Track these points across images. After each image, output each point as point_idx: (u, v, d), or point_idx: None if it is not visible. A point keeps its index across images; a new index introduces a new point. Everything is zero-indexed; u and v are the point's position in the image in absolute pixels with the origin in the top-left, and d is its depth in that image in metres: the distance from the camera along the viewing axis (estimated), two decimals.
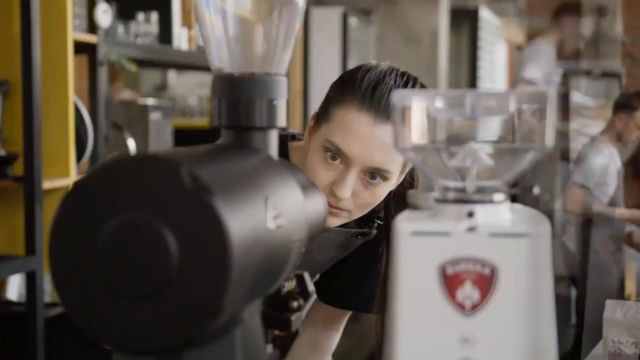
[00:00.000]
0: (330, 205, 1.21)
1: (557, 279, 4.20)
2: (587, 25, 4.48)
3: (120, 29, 2.86)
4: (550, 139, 0.64)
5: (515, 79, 4.47)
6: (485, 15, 7.44)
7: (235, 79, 0.73)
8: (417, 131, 0.67)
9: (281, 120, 0.75)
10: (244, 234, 0.59)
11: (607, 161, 4.33)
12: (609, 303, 2.00)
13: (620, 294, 4.39)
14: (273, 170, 0.71)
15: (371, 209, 1.27)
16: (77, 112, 2.53)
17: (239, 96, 0.73)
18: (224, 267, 0.57)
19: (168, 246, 0.57)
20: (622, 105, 4.34)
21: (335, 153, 1.21)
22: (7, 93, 2.38)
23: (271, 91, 0.74)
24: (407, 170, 1.30)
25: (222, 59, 0.74)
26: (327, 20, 4.85)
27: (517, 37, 8.93)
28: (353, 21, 5.02)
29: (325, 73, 4.49)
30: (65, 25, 2.43)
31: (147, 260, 0.57)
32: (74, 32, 2.52)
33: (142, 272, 0.58)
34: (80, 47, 2.61)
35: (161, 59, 3.17)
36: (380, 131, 1.19)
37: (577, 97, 4.36)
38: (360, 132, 1.19)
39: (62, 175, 2.49)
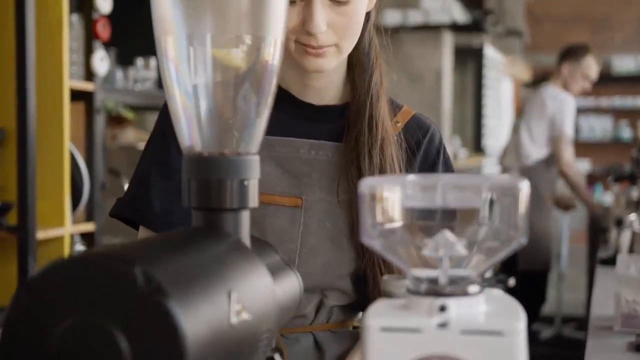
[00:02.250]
0: (312, 47, 1.13)
1: None
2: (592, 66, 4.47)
3: (119, 74, 2.86)
4: (523, 232, 0.61)
5: (549, 134, 4.39)
6: (490, 53, 7.45)
7: (205, 158, 0.71)
8: (386, 220, 0.65)
9: (253, 201, 0.73)
10: (202, 335, 0.56)
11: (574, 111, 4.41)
12: (622, 257, 1.87)
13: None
14: (240, 258, 0.68)
15: (358, 32, 1.17)
16: (73, 160, 2.52)
17: (209, 177, 0.71)
18: None
19: (121, 350, 0.54)
20: (567, 55, 4.41)
21: None
22: (3, 141, 2.37)
23: (242, 171, 0.72)
24: None
25: (192, 138, 0.72)
26: None
27: (522, 74, 8.94)
28: None
29: None
30: (61, 73, 2.43)
31: None
32: (71, 80, 2.51)
33: None
34: (78, 95, 2.61)
35: (160, 105, 3.16)
36: None
37: None
38: None
39: (57, 224, 2.47)
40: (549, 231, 4.31)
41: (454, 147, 6.21)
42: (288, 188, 1.20)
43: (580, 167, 8.84)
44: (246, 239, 0.72)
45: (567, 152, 4.29)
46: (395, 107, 1.28)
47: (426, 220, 0.66)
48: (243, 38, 0.71)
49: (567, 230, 5.54)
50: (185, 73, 0.71)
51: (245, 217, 0.73)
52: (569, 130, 4.30)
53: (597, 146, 9.93)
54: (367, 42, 1.25)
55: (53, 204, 2.44)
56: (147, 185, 1.22)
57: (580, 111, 9.96)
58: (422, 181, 0.64)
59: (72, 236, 2.60)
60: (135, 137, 3.96)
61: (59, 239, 2.49)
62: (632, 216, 2.84)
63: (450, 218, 0.65)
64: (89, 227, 2.66)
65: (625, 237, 2.69)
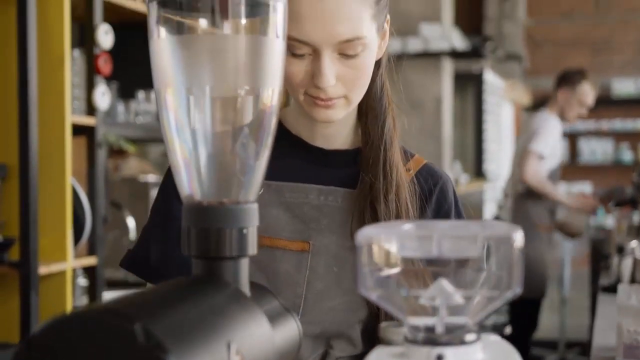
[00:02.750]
0: (321, 99, 1.13)
1: None
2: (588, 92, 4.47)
3: (121, 107, 2.88)
4: (518, 281, 0.62)
5: (521, 148, 4.46)
6: (490, 78, 7.49)
7: (204, 207, 0.72)
8: (383, 269, 0.65)
9: (252, 249, 0.74)
10: None
11: (558, 135, 4.38)
12: (622, 287, 1.86)
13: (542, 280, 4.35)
14: (239, 307, 0.69)
15: (367, 82, 1.16)
16: (75, 194, 2.53)
17: (209, 226, 0.72)
18: None
19: None
20: (563, 81, 4.42)
21: (297, 47, 1.10)
22: (5, 177, 2.39)
23: (241, 220, 0.73)
24: (385, 29, 1.20)
25: (192, 187, 0.73)
26: None
27: (522, 98, 8.98)
28: None
29: None
30: (63, 109, 2.45)
31: None
32: (73, 115, 2.53)
33: None
34: (79, 129, 2.62)
35: (161, 137, 3.18)
36: (330, 1, 1.08)
37: None
38: (310, 13, 1.08)
39: (59, 259, 2.48)
40: (543, 259, 4.28)
41: (454, 172, 6.22)
42: (296, 233, 1.20)
43: (582, 190, 8.86)
44: (245, 287, 0.73)
45: (531, 165, 4.28)
46: (407, 154, 1.28)
47: (423, 269, 0.66)
48: (241, 89, 0.73)
49: (570, 254, 5.54)
50: (185, 123, 0.73)
51: (244, 264, 0.74)
52: (540, 147, 4.29)
53: (598, 169, 9.95)
54: (379, 88, 1.24)
55: (55, 238, 2.45)
56: (145, 239, 1.25)
57: (581, 134, 10.00)
58: (418, 232, 0.65)
59: (74, 270, 2.61)
60: (138, 168, 3.98)
61: (61, 274, 2.50)
62: (634, 243, 2.84)
63: (446, 267, 0.66)
64: (90, 260, 2.67)
65: (627, 265, 2.69)
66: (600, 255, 4.30)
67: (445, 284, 0.65)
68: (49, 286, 2.45)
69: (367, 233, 0.66)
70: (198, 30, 0.73)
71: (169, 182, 1.24)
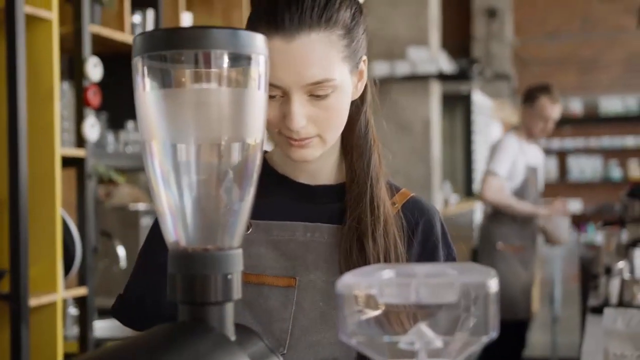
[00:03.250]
0: (294, 139, 1.15)
1: None
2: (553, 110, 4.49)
3: (111, 138, 2.90)
4: (494, 327, 0.64)
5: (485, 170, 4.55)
6: (478, 98, 7.54)
7: (189, 254, 0.74)
8: (363, 316, 0.67)
9: (237, 293, 0.75)
10: None
11: (516, 153, 4.42)
12: (608, 311, 1.88)
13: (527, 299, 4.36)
14: (224, 352, 0.71)
15: (342, 122, 1.18)
16: (65, 225, 2.54)
17: (194, 272, 0.74)
18: None
19: None
20: (525, 98, 4.50)
21: (268, 89, 1.14)
22: None
23: (226, 266, 0.74)
24: (362, 68, 1.21)
25: (177, 234, 0.75)
26: None
27: (511, 117, 9.04)
28: None
29: None
30: (53, 141, 2.46)
31: None
32: (63, 147, 2.54)
33: None
34: (69, 161, 2.64)
35: None
36: (297, 46, 1.11)
37: None
38: (278, 58, 1.10)
39: (50, 290, 2.48)
40: (511, 281, 4.28)
41: (445, 193, 6.25)
42: (282, 270, 1.21)
43: (572, 207, 8.90)
44: (230, 331, 0.75)
45: (488, 184, 4.34)
46: (393, 189, 1.29)
47: (402, 314, 0.68)
48: (225, 140, 0.75)
49: (560, 272, 5.56)
50: (170, 173, 0.75)
51: (229, 309, 0.75)
52: (495, 167, 4.35)
53: (588, 186, 10.01)
54: (363, 125, 1.25)
55: (45, 270, 2.46)
56: (132, 287, 1.28)
57: (570, 152, 10.07)
58: (397, 279, 0.67)
59: (64, 301, 2.61)
60: (130, 194, 3.99)
61: (51, 305, 2.50)
62: (621, 264, 2.87)
63: (425, 311, 0.68)
64: (81, 291, 2.68)
65: (614, 286, 2.72)
66: (589, 274, 4.32)
67: (424, 328, 0.67)
68: (40, 318, 2.46)
69: (346, 281, 0.68)
70: (182, 83, 0.75)
71: (156, 229, 1.26)
